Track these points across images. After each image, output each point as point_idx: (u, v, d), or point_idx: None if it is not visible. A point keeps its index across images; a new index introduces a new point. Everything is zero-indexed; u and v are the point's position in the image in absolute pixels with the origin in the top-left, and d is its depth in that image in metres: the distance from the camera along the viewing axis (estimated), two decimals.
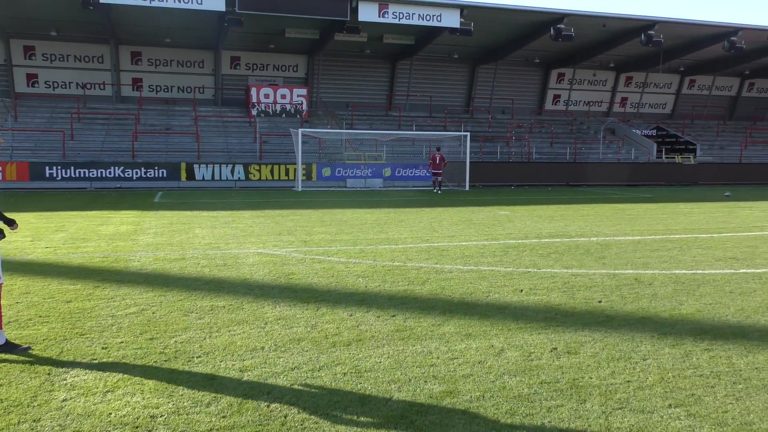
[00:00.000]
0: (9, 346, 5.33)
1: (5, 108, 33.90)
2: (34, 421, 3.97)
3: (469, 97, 43.93)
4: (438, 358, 5.24)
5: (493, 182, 33.32)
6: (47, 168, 28.54)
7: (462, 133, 33.33)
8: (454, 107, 43.35)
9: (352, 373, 4.87)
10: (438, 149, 29.22)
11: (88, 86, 36.61)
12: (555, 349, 5.48)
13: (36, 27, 33.58)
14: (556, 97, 46.34)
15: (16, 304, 6.87)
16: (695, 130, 46.56)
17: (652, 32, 35.61)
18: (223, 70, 38.44)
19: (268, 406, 4.22)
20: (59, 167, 28.72)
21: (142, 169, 29.75)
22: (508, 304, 7.06)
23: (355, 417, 4.08)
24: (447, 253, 10.50)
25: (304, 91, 38.51)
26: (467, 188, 30.74)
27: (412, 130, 37.72)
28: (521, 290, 7.75)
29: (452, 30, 33.35)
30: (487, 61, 41.88)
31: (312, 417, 4.07)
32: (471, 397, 4.42)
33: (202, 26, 34.07)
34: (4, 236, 5.46)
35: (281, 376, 4.79)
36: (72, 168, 28.85)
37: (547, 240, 12.23)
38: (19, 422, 3.94)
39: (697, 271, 9.09)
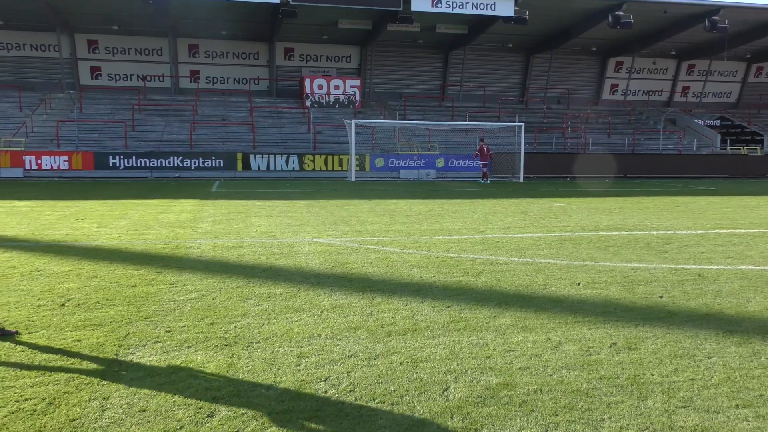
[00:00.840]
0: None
1: (71, 100, 35.20)
2: (104, 398, 4.14)
3: (523, 86, 43.28)
4: (494, 350, 5.20)
5: (547, 174, 32.78)
6: (110, 158, 29.54)
7: (516, 123, 32.88)
8: (508, 97, 42.78)
9: (408, 362, 4.89)
10: (482, 140, 28.99)
11: (148, 78, 37.66)
12: (614, 344, 5.37)
13: (99, 21, 34.69)
14: (614, 86, 45.18)
15: (84, 287, 7.15)
16: (763, 120, 44.67)
17: (717, 18, 34.29)
18: (277, 61, 38.95)
19: (325, 393, 4.29)
20: (121, 157, 29.69)
21: (200, 159, 30.45)
22: (565, 297, 6.95)
23: (412, 406, 4.10)
24: (502, 245, 10.40)
25: (357, 82, 38.66)
26: (521, 179, 30.34)
27: (466, 121, 37.43)
28: (578, 283, 7.61)
29: (506, 19, 32.89)
30: (542, 50, 41.15)
31: (368, 405, 4.11)
32: (528, 390, 4.38)
33: (257, 18, 34.57)
34: None
35: (338, 364, 4.84)
36: (133, 158, 29.77)
37: (604, 233, 11.97)
38: (90, 399, 4.12)
39: (765, 268, 8.75)
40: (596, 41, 40.36)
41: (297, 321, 5.96)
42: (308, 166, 31.58)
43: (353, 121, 30.25)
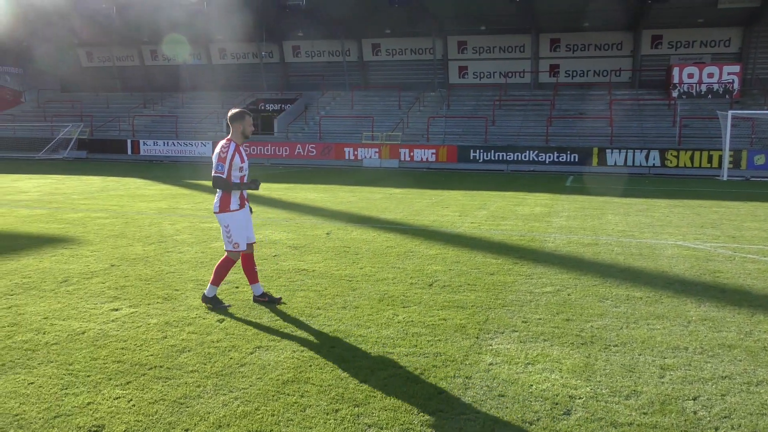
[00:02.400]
0: (215, 301, 6.06)
1: (441, 98, 38.58)
2: (466, 377, 4.40)
3: None
4: None
5: None
6: (471, 151, 31.55)
7: None
8: None
9: None
10: None
11: (509, 75, 39.08)
12: None
13: (468, 23, 37.17)
14: None
15: (449, 270, 7.75)
16: None
17: None
18: (642, 50, 36.70)
19: (695, 414, 3.87)
20: (481, 150, 31.46)
21: (555, 153, 30.51)
22: None
23: None
24: None
25: (736, 68, 34.17)
26: None
27: None
28: None
29: None
30: None
31: None
32: None
33: (622, 6, 33.01)
34: (258, 186, 6.01)
35: (709, 383, 4.33)
36: (492, 151, 31.29)
37: None
38: (454, 376, 4.43)
39: None
40: None
41: (659, 329, 5.52)
42: (671, 162, 29.12)
43: (729, 112, 26.83)
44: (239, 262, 6.24)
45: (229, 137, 5.94)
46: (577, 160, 30.17)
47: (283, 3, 33.02)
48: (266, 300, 6.19)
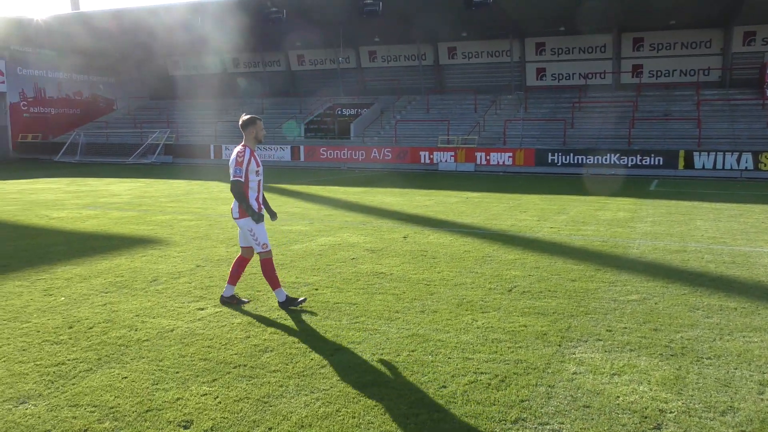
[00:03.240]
0: (289, 301, 6.13)
1: (518, 101, 37.99)
2: (549, 386, 4.29)
3: None
4: None
5: None
6: (549, 154, 30.87)
7: None
8: None
9: None
10: None
11: (589, 76, 38.03)
12: None
13: (546, 24, 36.43)
14: None
15: (528, 276, 7.60)
16: None
17: None
18: (733, 48, 34.91)
19: None
20: (560, 153, 30.74)
21: (638, 156, 29.43)
22: None
23: None
24: None
25: None
26: None
27: None
28: None
29: None
30: None
31: None
32: None
33: (712, 3, 31.52)
34: (258, 221, 6.03)
35: None
36: (571, 154, 30.51)
37: None
38: (537, 384, 4.32)
39: None
40: None
41: (756, 342, 5.21)
42: (765, 165, 27.52)
43: None
44: (241, 258, 6.37)
45: (243, 143, 6.06)
46: (662, 163, 28.99)
47: (360, 9, 33.39)
48: (234, 302, 6.30)
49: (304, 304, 6.21)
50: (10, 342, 5.15)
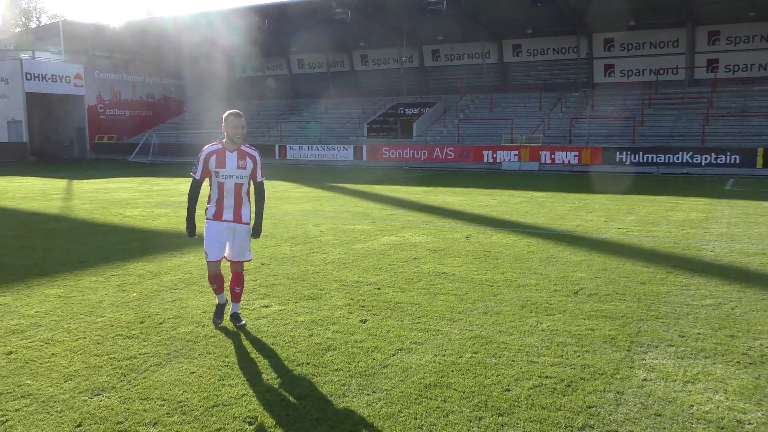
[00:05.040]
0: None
1: (585, 98, 37.06)
2: (618, 393, 4.15)
3: None
4: None
5: None
6: (617, 153, 29.96)
7: None
8: None
9: None
10: None
11: (660, 72, 36.73)
12: None
13: (616, 19, 35.38)
14: None
15: (595, 278, 7.39)
16: None
17: None
18: None
19: None
20: (628, 152, 29.79)
21: (712, 154, 28.20)
22: None
23: None
24: None
25: None
26: None
27: None
28: None
29: None
30: None
31: None
32: None
33: None
34: (190, 235, 5.57)
35: None
36: (640, 153, 29.53)
37: None
38: (605, 390, 4.19)
39: None
40: None
41: None
42: None
43: None
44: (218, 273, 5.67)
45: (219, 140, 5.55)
46: (738, 161, 27.70)
47: (424, 7, 33.31)
48: (240, 324, 5.58)
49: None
50: (87, 335, 5.37)
